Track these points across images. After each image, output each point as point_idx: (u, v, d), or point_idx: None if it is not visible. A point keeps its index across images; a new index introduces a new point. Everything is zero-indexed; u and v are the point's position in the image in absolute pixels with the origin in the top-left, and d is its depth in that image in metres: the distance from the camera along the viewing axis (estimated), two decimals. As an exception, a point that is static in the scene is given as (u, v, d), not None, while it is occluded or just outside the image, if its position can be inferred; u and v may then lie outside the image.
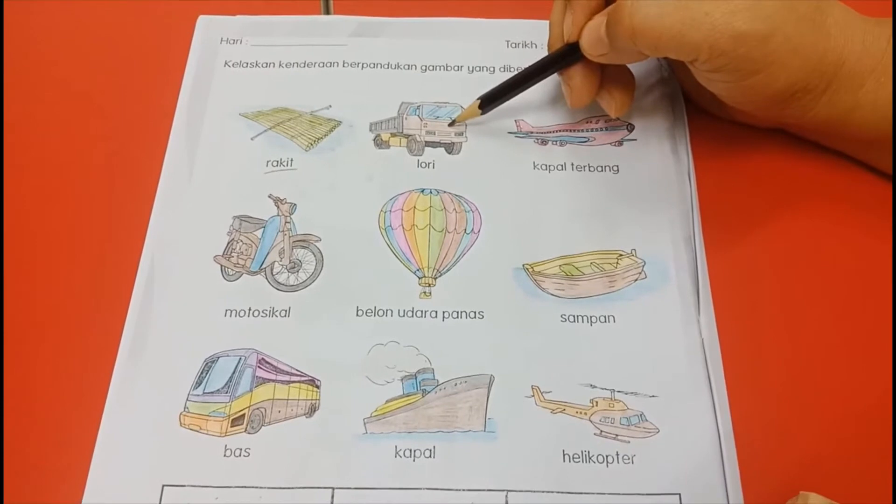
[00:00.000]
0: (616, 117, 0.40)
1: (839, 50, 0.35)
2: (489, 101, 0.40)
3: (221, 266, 0.37)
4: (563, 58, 0.38)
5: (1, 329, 0.35)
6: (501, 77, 0.40)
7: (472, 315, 0.36)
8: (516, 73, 0.40)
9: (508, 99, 0.40)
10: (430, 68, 0.43)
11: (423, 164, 0.40)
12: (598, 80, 0.38)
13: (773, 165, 0.39)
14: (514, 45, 0.44)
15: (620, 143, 0.41)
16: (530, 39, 0.44)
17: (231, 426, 0.33)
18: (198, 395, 0.34)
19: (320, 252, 0.38)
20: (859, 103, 0.35)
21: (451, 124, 0.41)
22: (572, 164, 0.40)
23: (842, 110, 0.36)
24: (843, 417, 0.33)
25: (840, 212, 0.38)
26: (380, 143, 0.41)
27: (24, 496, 0.32)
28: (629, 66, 0.39)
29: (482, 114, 0.40)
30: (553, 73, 0.39)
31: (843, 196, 0.39)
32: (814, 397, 0.34)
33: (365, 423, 0.33)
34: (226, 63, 0.43)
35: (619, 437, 0.33)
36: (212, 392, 0.34)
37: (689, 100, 0.41)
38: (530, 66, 0.39)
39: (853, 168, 0.39)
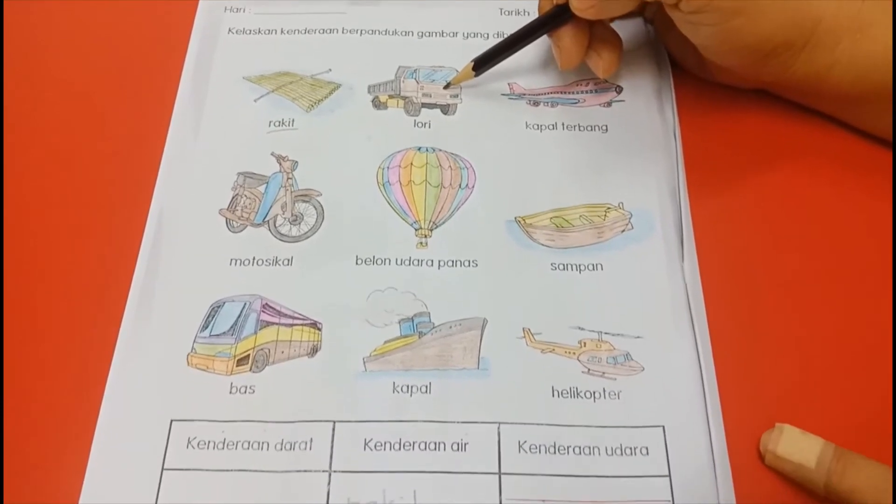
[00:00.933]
0: (604, 79, 0.42)
1: (816, 8, 0.36)
2: (483, 62, 0.41)
3: (227, 219, 0.39)
4: (553, 19, 0.39)
5: (1, 280, 0.37)
6: (495, 43, 0.42)
7: (467, 264, 0.37)
8: (508, 35, 0.41)
9: (501, 60, 0.42)
10: (427, 34, 0.45)
11: (420, 125, 0.42)
12: (587, 40, 0.40)
13: (754, 124, 0.41)
14: (507, 13, 0.46)
15: (609, 104, 0.43)
16: (522, 7, 0.46)
17: (236, 366, 0.35)
18: (204, 338, 0.35)
19: (321, 206, 0.39)
20: (836, 61, 0.37)
21: (447, 87, 0.43)
22: (563, 124, 0.42)
23: (819, 67, 0.38)
24: (817, 355, 0.35)
25: (816, 166, 0.40)
26: (378, 105, 0.42)
27: (39, 429, 0.34)
28: (616, 28, 0.41)
29: (476, 76, 0.42)
30: (543, 34, 0.40)
31: (819, 152, 0.40)
32: (789, 336, 0.36)
33: (364, 362, 0.35)
34: (230, 30, 0.45)
35: (605, 375, 0.35)
36: (218, 334, 0.36)
37: (674, 63, 0.43)
38: (521, 29, 0.41)
39: (830, 126, 0.41)
